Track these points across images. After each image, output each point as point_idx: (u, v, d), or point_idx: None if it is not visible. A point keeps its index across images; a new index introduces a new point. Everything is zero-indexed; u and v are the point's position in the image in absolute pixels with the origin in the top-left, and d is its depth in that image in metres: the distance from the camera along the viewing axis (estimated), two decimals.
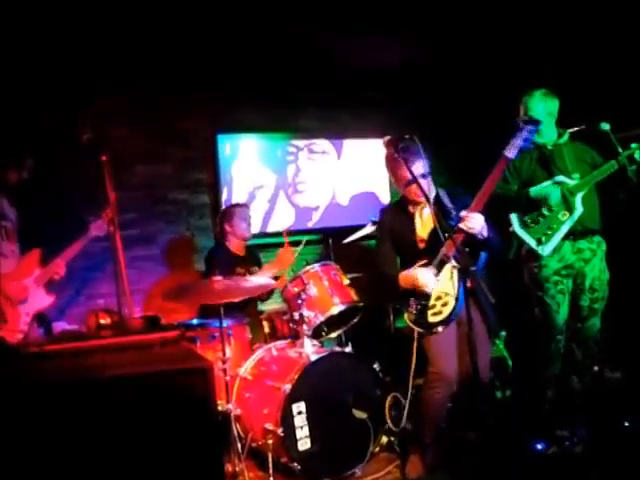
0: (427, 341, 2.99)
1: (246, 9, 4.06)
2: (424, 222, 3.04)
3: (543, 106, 3.27)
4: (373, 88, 5.02)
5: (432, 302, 2.95)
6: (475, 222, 2.81)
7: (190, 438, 1.49)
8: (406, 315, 3.00)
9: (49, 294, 3.34)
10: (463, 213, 2.83)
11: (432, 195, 2.99)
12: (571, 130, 3.35)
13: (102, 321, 2.33)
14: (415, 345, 2.98)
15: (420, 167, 2.90)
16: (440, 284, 2.94)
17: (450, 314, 2.94)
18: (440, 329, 2.94)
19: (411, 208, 3.06)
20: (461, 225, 2.81)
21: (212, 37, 4.34)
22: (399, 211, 3.13)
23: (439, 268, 2.94)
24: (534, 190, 3.26)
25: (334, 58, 4.67)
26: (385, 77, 4.97)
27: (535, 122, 2.95)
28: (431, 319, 2.95)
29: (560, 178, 3.24)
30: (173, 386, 1.48)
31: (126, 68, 4.28)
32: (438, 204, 3.01)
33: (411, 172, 2.80)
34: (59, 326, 3.75)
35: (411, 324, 2.98)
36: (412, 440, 3.12)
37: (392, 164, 2.96)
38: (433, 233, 2.96)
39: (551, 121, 3.31)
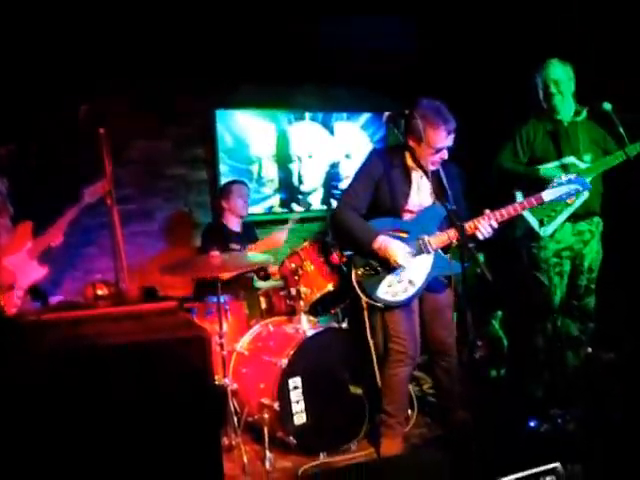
0: (388, 316, 2.92)
1: None
2: (420, 193, 2.94)
3: (563, 70, 3.20)
4: (372, 65, 4.97)
5: (391, 279, 2.87)
6: (490, 229, 2.77)
7: (187, 407, 1.51)
8: (353, 273, 2.88)
9: (42, 265, 3.30)
10: (487, 211, 2.80)
11: None
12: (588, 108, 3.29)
13: (99, 292, 2.34)
14: (366, 314, 2.94)
15: (452, 140, 2.79)
16: (410, 269, 2.86)
17: (404, 300, 2.89)
18: (381, 305, 2.88)
19: (412, 170, 2.89)
20: (478, 222, 2.76)
21: (210, 15, 4.29)
22: (397, 165, 2.89)
23: (417, 254, 2.86)
24: (544, 169, 3.21)
25: (333, 36, 4.63)
26: (384, 55, 4.92)
27: (584, 184, 2.90)
28: (381, 294, 2.86)
29: (570, 159, 3.19)
30: (170, 355, 1.49)
31: (126, 46, 4.22)
32: (438, 181, 2.85)
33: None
34: (56, 299, 3.75)
35: (355, 284, 2.87)
36: (387, 419, 3.07)
37: (432, 123, 2.73)
38: (424, 212, 2.91)
39: (571, 88, 3.23)
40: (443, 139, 2.75)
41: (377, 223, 2.89)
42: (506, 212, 2.83)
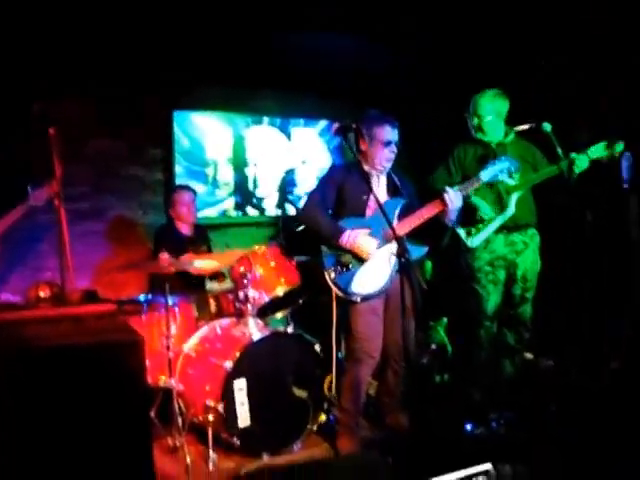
0: (354, 318, 3.07)
1: None
2: (378, 191, 3.10)
3: (491, 106, 3.39)
4: (332, 72, 5.04)
5: (362, 273, 3.03)
6: (457, 200, 2.98)
7: (119, 408, 1.55)
8: (326, 273, 3.03)
9: None
10: (447, 188, 3.00)
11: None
12: (517, 129, 3.48)
13: (41, 293, 2.35)
14: (335, 307, 3.04)
15: (397, 135, 3.11)
16: (378, 260, 3.05)
17: (376, 291, 3.05)
18: (358, 299, 3.03)
19: (369, 174, 3.11)
20: (445, 196, 2.96)
21: (170, 15, 4.29)
22: (354, 171, 3.12)
23: (382, 245, 3.05)
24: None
25: (295, 40, 4.69)
26: (344, 63, 5.01)
27: (512, 162, 3.13)
28: (356, 288, 3.02)
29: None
30: (105, 357, 1.54)
31: (84, 44, 4.19)
32: (392, 181, 3.20)
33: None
34: (3, 297, 3.71)
35: (330, 283, 3.02)
36: (343, 417, 3.20)
37: (377, 121, 3.08)
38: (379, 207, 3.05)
39: (499, 121, 3.42)
40: (389, 133, 3.09)
41: (341, 223, 3.08)
42: (463, 188, 3.08)
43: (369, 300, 3.07)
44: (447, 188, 3.02)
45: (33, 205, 3.26)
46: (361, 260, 3.03)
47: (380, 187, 3.18)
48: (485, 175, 3.10)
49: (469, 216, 3.37)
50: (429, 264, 4.52)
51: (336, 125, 2.94)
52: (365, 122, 3.08)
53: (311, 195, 3.20)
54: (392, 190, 3.20)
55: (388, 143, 3.09)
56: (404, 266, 2.55)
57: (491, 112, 3.38)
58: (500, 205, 3.36)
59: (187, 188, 4.13)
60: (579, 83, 3.92)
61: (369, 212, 3.12)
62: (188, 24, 4.39)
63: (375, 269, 3.06)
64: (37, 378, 1.56)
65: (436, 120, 4.46)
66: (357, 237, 3.00)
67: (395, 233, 2.59)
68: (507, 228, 3.38)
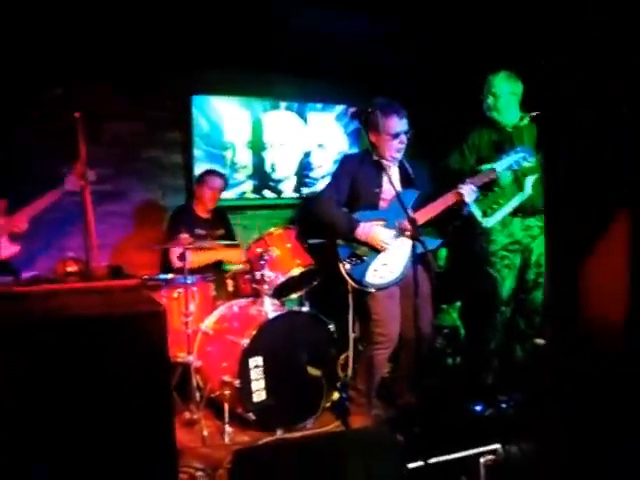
0: (373, 303, 3.13)
1: None
2: (392, 182, 3.09)
3: (506, 85, 3.40)
4: (350, 58, 5.07)
5: (377, 264, 3.10)
6: (472, 193, 3.05)
7: (144, 375, 1.64)
8: (341, 265, 3.10)
9: (13, 244, 3.34)
10: (461, 185, 3.06)
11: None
12: (532, 114, 3.50)
13: (69, 268, 2.46)
14: (351, 297, 3.12)
15: (405, 125, 3.10)
16: (393, 251, 3.11)
17: (391, 281, 3.11)
18: (372, 290, 3.10)
19: (381, 164, 3.09)
20: (459, 190, 3.03)
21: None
22: (367, 162, 3.16)
23: (397, 236, 3.10)
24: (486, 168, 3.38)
25: (313, 25, 4.72)
26: (362, 49, 5.03)
27: (529, 152, 3.20)
28: (370, 279, 3.09)
29: None
30: (128, 326, 1.62)
31: (104, 29, 4.24)
32: (403, 169, 3.20)
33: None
34: (29, 275, 3.82)
35: (345, 275, 3.09)
36: (357, 397, 3.29)
37: (385, 113, 3.05)
38: (397, 197, 3.10)
39: (515, 101, 3.43)
40: (397, 124, 3.08)
41: (356, 216, 3.13)
42: (478, 180, 3.15)
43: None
44: (461, 185, 3.07)
45: (68, 190, 3.32)
46: (377, 251, 3.09)
47: (393, 178, 3.14)
48: (500, 166, 3.17)
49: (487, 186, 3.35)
50: (444, 251, 4.57)
51: (352, 109, 2.98)
52: (373, 111, 3.03)
53: (325, 189, 3.25)
54: (405, 180, 3.21)
55: (396, 135, 3.08)
56: (419, 254, 2.60)
57: (506, 90, 3.39)
58: (517, 187, 3.38)
59: (220, 175, 4.17)
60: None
61: (383, 204, 3.17)
62: (208, 8, 4.45)
63: (390, 260, 3.12)
64: (65, 347, 1.65)
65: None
66: (372, 229, 3.05)
67: (409, 217, 2.64)
68: (523, 212, 3.40)
